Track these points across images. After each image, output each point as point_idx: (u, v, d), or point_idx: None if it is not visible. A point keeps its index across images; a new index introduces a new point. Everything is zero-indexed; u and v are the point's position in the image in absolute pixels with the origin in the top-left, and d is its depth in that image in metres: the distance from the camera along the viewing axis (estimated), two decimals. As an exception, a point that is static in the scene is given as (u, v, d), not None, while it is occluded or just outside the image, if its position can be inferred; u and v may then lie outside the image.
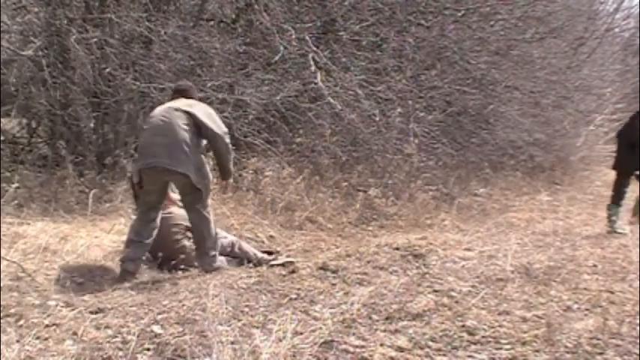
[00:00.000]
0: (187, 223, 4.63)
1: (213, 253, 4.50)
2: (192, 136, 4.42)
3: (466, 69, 8.72)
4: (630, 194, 8.66)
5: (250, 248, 4.93)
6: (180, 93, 4.76)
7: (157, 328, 3.20)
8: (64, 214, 5.68)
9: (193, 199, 4.45)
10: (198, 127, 4.46)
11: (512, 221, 6.63)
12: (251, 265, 4.64)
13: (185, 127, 4.41)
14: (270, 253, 4.96)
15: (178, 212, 4.76)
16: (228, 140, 4.58)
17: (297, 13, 7.85)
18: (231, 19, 8.31)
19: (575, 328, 3.28)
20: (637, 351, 3.04)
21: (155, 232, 4.47)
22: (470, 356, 3.02)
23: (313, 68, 7.14)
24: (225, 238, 4.89)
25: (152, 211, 4.49)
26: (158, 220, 4.51)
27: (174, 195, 4.78)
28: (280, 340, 3.01)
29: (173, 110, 4.50)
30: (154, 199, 4.50)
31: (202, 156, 4.54)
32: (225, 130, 4.60)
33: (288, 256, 4.86)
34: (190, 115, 4.46)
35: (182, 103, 4.60)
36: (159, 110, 4.59)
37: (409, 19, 8.39)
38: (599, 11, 13.84)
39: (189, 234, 4.69)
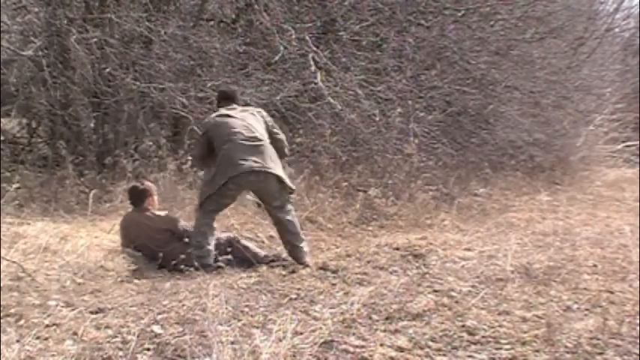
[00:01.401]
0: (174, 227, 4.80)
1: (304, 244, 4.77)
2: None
3: (466, 69, 8.71)
4: (631, 194, 8.69)
5: (249, 244, 4.92)
6: (232, 99, 5.02)
7: (157, 328, 3.20)
8: (64, 214, 5.69)
9: (283, 200, 4.73)
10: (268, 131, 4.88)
11: (512, 221, 6.62)
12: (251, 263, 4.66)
13: (265, 132, 4.82)
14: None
15: (165, 215, 4.91)
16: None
17: (297, 13, 7.85)
18: (231, 19, 8.32)
19: (575, 328, 3.28)
20: (637, 351, 3.04)
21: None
22: (470, 356, 3.02)
23: (313, 68, 7.14)
24: (224, 234, 4.91)
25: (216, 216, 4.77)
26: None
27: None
28: (280, 340, 3.01)
29: (249, 115, 4.86)
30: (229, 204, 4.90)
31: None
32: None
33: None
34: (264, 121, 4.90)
35: (243, 109, 4.95)
36: (232, 121, 4.78)
37: (409, 19, 8.39)
38: (599, 11, 13.81)
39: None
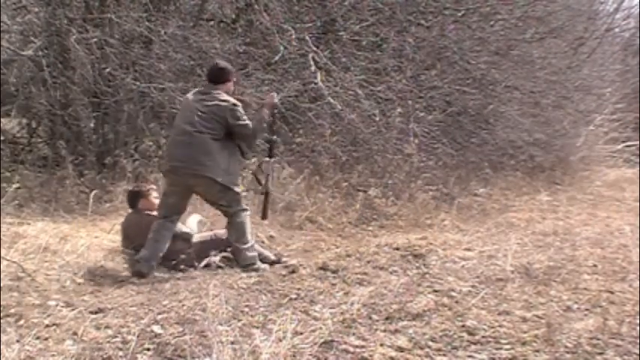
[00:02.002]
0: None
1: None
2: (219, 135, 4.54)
3: (466, 69, 8.71)
4: (631, 194, 8.70)
5: None
6: (214, 80, 4.72)
7: (157, 328, 3.20)
8: (64, 214, 5.69)
9: (230, 200, 4.56)
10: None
11: (512, 221, 6.62)
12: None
13: (218, 128, 4.52)
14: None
15: None
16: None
17: (297, 13, 7.84)
18: (231, 19, 8.32)
19: (575, 328, 3.28)
20: (637, 351, 3.04)
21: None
22: (470, 356, 3.02)
23: (313, 68, 7.14)
24: (223, 231, 4.91)
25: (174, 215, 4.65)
26: (174, 223, 4.64)
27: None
28: (280, 340, 3.01)
29: (206, 108, 4.58)
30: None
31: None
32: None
33: (287, 257, 4.90)
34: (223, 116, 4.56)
35: (210, 97, 4.63)
36: (187, 109, 4.66)
37: (409, 19, 8.39)
38: (599, 11, 13.82)
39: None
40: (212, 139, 4.51)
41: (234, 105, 4.62)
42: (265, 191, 4.91)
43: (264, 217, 5.04)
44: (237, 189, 4.62)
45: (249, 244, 4.59)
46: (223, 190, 4.53)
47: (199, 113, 4.55)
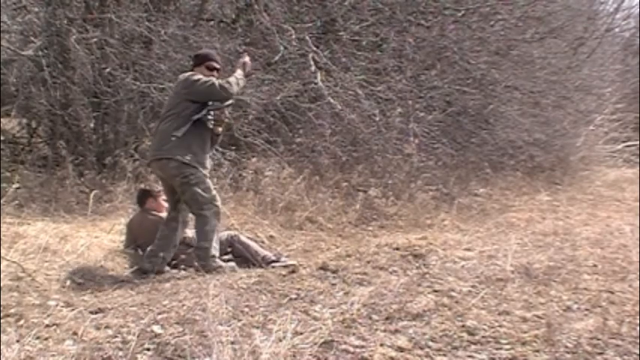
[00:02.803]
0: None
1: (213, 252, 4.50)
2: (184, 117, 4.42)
3: (466, 69, 8.72)
4: (631, 194, 8.70)
5: (250, 242, 4.91)
6: (193, 65, 4.73)
7: (157, 328, 3.20)
8: (64, 214, 5.69)
9: (191, 197, 4.45)
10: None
11: (512, 221, 6.62)
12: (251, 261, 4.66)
13: (175, 103, 4.50)
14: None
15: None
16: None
17: (297, 13, 7.85)
18: (231, 19, 8.32)
19: (575, 328, 3.27)
20: (637, 351, 3.04)
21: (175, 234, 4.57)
22: (470, 356, 3.02)
23: (313, 68, 7.15)
24: (224, 232, 4.90)
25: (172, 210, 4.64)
26: (179, 222, 4.58)
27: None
28: (280, 340, 3.01)
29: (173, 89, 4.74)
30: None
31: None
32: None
33: (287, 257, 4.89)
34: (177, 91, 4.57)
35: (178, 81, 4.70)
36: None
37: (409, 19, 8.39)
38: (599, 11, 13.86)
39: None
40: (174, 121, 4.41)
41: (190, 75, 4.55)
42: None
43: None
44: (199, 167, 4.41)
45: (202, 249, 4.44)
46: (184, 168, 4.35)
47: (168, 100, 4.69)
